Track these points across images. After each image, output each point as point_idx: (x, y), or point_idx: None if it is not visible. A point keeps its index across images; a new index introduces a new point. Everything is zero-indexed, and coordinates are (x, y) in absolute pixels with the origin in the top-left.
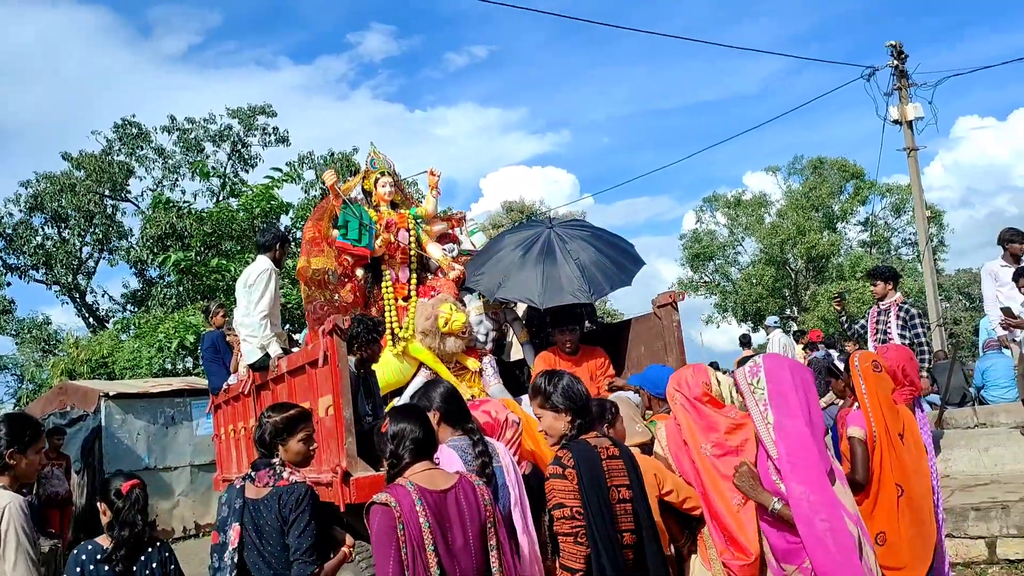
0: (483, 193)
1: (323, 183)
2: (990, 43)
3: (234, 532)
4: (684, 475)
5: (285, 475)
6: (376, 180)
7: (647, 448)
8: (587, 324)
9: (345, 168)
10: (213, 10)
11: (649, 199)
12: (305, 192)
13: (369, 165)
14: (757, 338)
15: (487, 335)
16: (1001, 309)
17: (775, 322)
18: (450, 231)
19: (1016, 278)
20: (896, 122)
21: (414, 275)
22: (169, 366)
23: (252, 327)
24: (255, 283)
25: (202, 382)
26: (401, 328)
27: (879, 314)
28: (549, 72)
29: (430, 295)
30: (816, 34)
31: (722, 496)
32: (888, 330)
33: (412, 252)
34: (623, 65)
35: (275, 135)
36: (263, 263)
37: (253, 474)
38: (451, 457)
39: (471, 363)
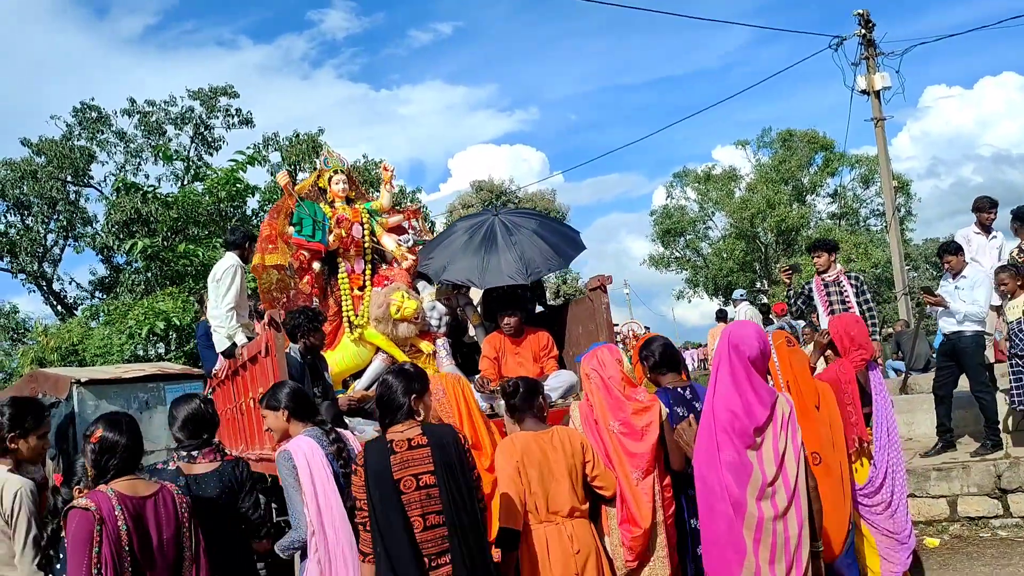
0: (452, 173)
1: (277, 183)
2: (957, 11)
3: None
4: (610, 446)
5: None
6: (330, 178)
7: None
8: (539, 307)
9: (310, 149)
10: None
11: (619, 176)
12: (271, 175)
13: (323, 164)
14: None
15: (440, 319)
16: (921, 288)
17: (742, 295)
18: (405, 222)
19: (940, 253)
20: (864, 92)
21: (368, 266)
22: (141, 352)
23: (220, 318)
24: (222, 278)
25: (174, 367)
26: (357, 316)
27: (827, 285)
28: (515, 48)
29: (384, 284)
30: (782, 3)
31: (624, 472)
32: (846, 299)
33: (366, 244)
34: (588, 39)
35: (238, 116)
36: (230, 259)
37: (195, 452)
38: (310, 444)
39: (425, 346)
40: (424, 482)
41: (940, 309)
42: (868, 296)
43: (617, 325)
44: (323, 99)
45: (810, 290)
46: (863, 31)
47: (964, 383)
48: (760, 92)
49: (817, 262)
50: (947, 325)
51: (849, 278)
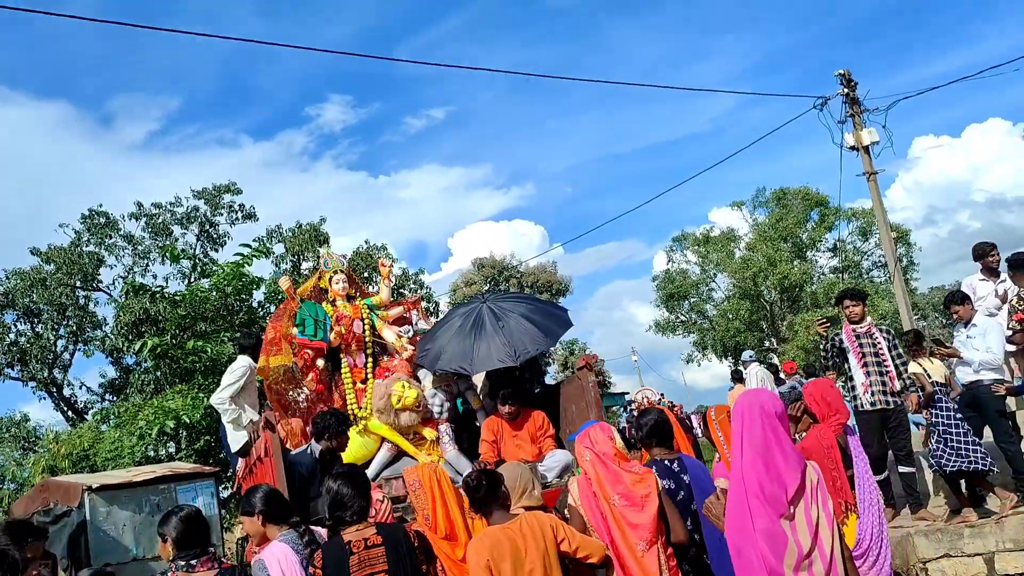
0: (453, 252)
1: (280, 287)
2: (936, 63)
3: None
4: (595, 525)
5: (225, 560)
6: (330, 278)
7: (545, 509)
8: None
9: (313, 239)
10: (172, 95)
11: (618, 243)
12: (276, 266)
13: (323, 265)
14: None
15: (442, 406)
16: (932, 340)
17: (751, 356)
18: (406, 314)
19: (947, 304)
20: (853, 148)
21: (370, 359)
22: (152, 453)
23: (217, 403)
24: (233, 371)
25: (185, 466)
26: (360, 408)
27: (859, 337)
28: (508, 127)
29: (385, 376)
30: (766, 68)
31: (627, 543)
32: (879, 351)
33: (367, 339)
34: (578, 114)
35: (242, 212)
36: (243, 361)
37: (194, 562)
38: (284, 551)
39: (428, 432)
40: None
41: (955, 360)
42: (901, 350)
43: (627, 393)
44: (323, 189)
45: (841, 341)
46: (846, 90)
47: (988, 434)
48: (752, 153)
49: (854, 311)
50: (964, 375)
51: (880, 330)
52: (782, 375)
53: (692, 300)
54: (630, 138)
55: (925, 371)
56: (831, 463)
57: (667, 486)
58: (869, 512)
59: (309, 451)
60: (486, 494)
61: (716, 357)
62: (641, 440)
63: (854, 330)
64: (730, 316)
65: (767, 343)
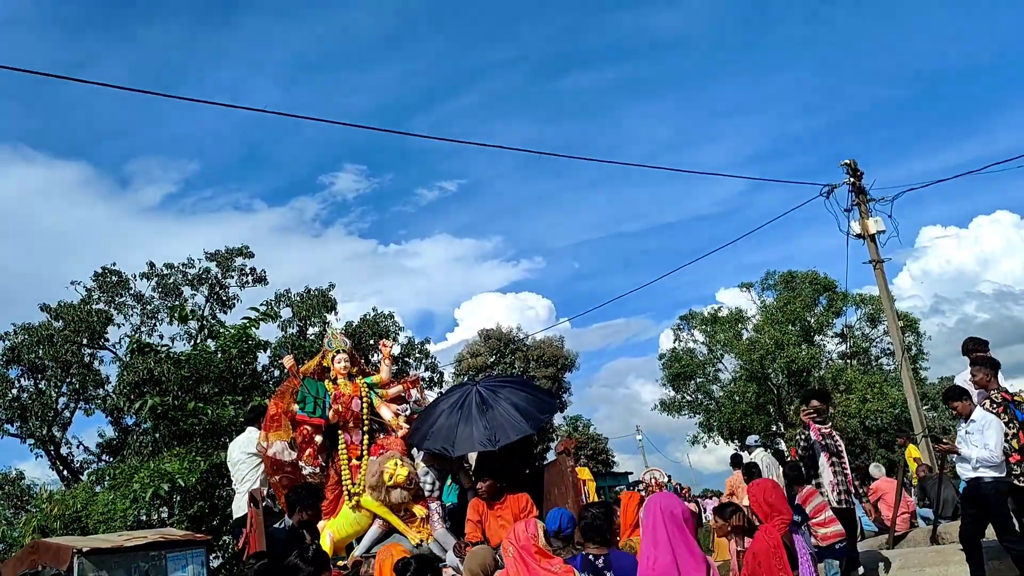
0: (459, 322)
1: (284, 367)
2: (943, 155)
3: None
4: None
5: None
6: (333, 357)
7: None
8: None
9: (321, 304)
10: (191, 160)
11: (625, 321)
12: (282, 330)
13: (327, 345)
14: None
15: (433, 484)
16: (931, 438)
17: (756, 441)
18: (404, 393)
19: (946, 400)
20: (859, 236)
21: (367, 436)
22: (144, 517)
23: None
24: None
25: (176, 533)
26: (354, 485)
27: (825, 437)
28: (518, 201)
29: (380, 452)
30: (774, 152)
31: None
32: (841, 453)
33: (365, 416)
34: (587, 191)
35: (252, 275)
36: (254, 434)
37: None
38: None
39: (418, 510)
40: None
41: (955, 457)
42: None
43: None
44: (334, 255)
45: (813, 443)
46: (852, 179)
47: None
48: (760, 236)
49: (821, 412)
50: (964, 472)
51: (837, 433)
52: (788, 460)
53: (698, 380)
54: (638, 217)
55: None
56: (778, 562)
57: None
58: None
59: (283, 525)
60: None
61: (722, 439)
62: (582, 533)
63: (820, 430)
64: (736, 398)
65: (774, 427)
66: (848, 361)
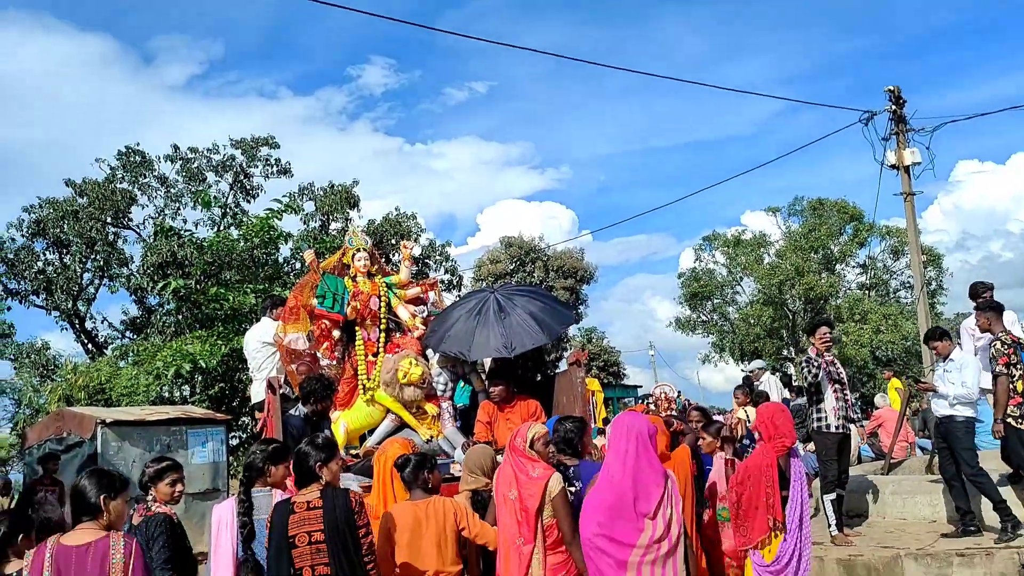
0: (481, 228)
1: (305, 261)
2: (988, 88)
3: None
4: (499, 513)
5: (153, 508)
6: (353, 255)
7: (482, 491)
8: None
9: (344, 200)
10: (216, 40)
11: (647, 237)
12: (304, 223)
13: (348, 243)
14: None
15: (446, 385)
16: (911, 378)
17: (761, 365)
18: (422, 295)
19: (927, 339)
20: (893, 167)
21: (383, 335)
22: (166, 394)
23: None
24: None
25: (197, 411)
26: (369, 380)
27: (830, 364)
28: (548, 108)
29: (395, 351)
30: (814, 75)
31: (508, 535)
32: (843, 380)
33: (382, 315)
34: (619, 102)
35: (277, 166)
36: (270, 324)
37: (135, 506)
38: (229, 505)
39: (430, 408)
40: (315, 539)
41: (931, 394)
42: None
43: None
44: (358, 151)
45: (823, 369)
46: (894, 107)
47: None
48: (791, 160)
49: (829, 340)
50: (939, 409)
51: (839, 361)
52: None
53: (715, 301)
54: (669, 132)
55: (746, 418)
56: (768, 481)
57: (572, 491)
58: (795, 533)
59: (298, 412)
60: (409, 473)
61: (733, 360)
62: (555, 445)
63: (826, 357)
64: (752, 321)
65: (785, 352)
66: (866, 292)
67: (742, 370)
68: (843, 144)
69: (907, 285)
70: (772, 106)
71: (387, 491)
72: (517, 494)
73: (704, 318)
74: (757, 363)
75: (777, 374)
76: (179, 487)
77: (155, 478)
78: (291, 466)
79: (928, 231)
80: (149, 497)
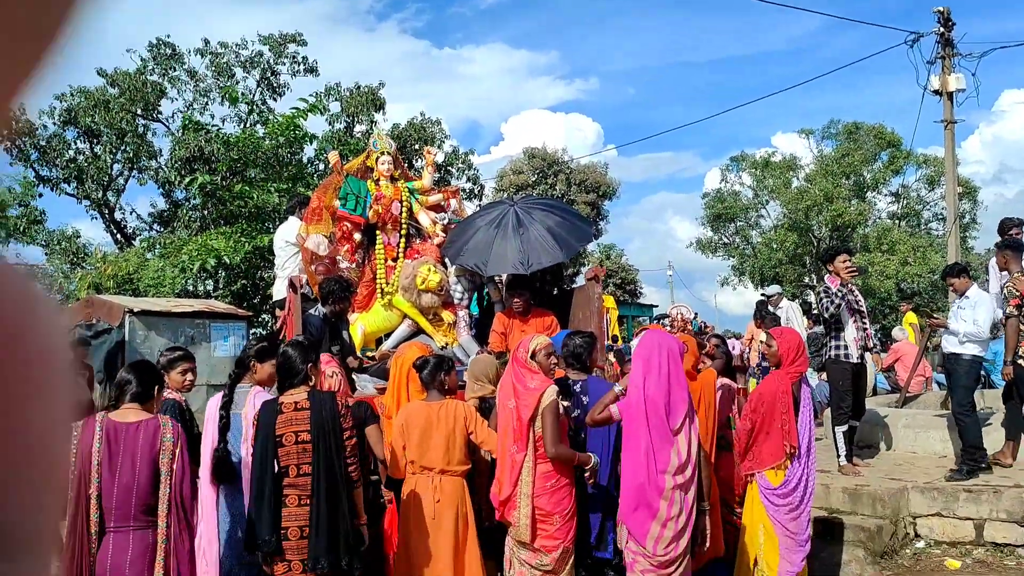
0: (504, 137)
1: (329, 162)
2: None
3: None
4: (499, 421)
5: (165, 394)
6: (377, 158)
7: (487, 399)
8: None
9: (370, 102)
10: None
11: (672, 154)
12: (330, 124)
13: (372, 145)
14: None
15: (463, 293)
16: (922, 312)
17: (777, 291)
18: (444, 202)
19: (944, 276)
20: (936, 92)
21: (403, 240)
22: (191, 287)
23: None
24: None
25: (220, 306)
26: (388, 284)
27: (852, 293)
28: (580, 16)
29: (415, 257)
30: None
31: (503, 441)
32: (863, 310)
33: (403, 220)
34: (653, 13)
35: (304, 64)
36: (296, 224)
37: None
38: (216, 399)
39: (447, 315)
40: (301, 439)
41: (941, 331)
42: None
43: (656, 307)
44: (385, 52)
45: (846, 299)
46: (942, 29)
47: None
48: (828, 80)
49: (853, 269)
50: (948, 346)
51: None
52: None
53: (739, 224)
54: (703, 47)
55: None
56: (783, 407)
57: (565, 405)
58: (803, 459)
59: (319, 313)
60: (427, 375)
61: (752, 284)
62: (564, 360)
63: (851, 287)
64: (774, 246)
65: (807, 279)
66: (897, 222)
67: (761, 294)
68: (885, 66)
69: (939, 217)
70: (812, 22)
71: (401, 393)
72: (515, 404)
73: (726, 240)
74: (774, 288)
75: (796, 300)
76: (190, 376)
77: (167, 366)
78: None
79: (966, 162)
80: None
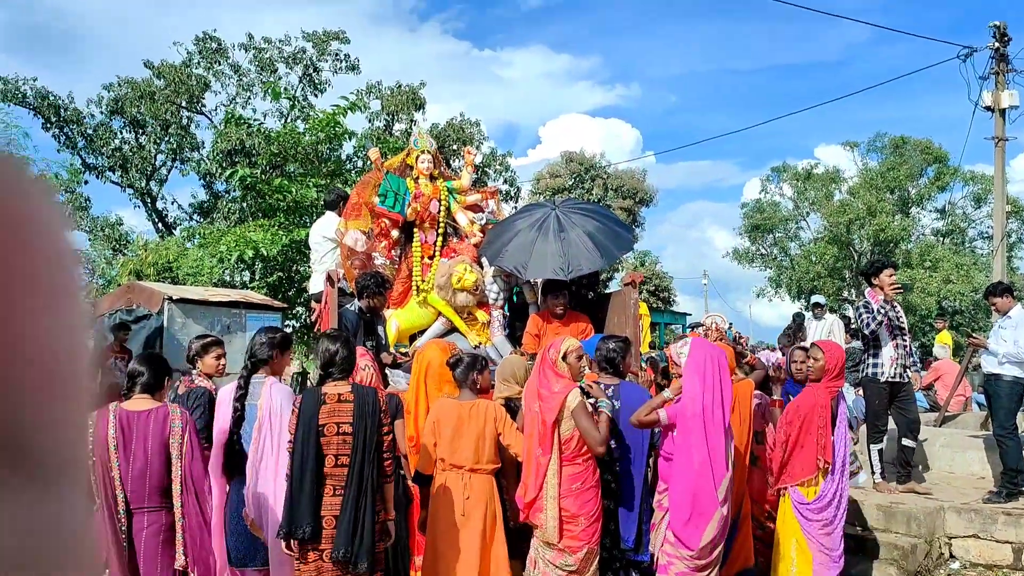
0: (542, 140)
1: (369, 159)
2: None
3: None
4: (525, 423)
5: (197, 381)
6: (417, 157)
7: (513, 399)
8: (591, 293)
9: (410, 101)
10: None
11: (712, 163)
12: (370, 122)
13: (413, 144)
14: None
15: (498, 294)
16: (967, 332)
17: (822, 301)
18: (482, 202)
19: (987, 295)
20: (988, 108)
21: (440, 238)
22: (228, 277)
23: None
24: (330, 238)
25: (256, 296)
26: (424, 282)
27: (893, 308)
28: (623, 21)
29: (451, 256)
30: (912, 1)
31: (529, 444)
32: (904, 327)
33: (441, 219)
34: (699, 19)
35: (346, 62)
36: (333, 219)
37: (180, 378)
38: (230, 389)
39: (481, 315)
40: (343, 430)
41: (982, 351)
42: None
43: (690, 315)
44: (426, 52)
45: (887, 316)
46: (997, 44)
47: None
48: (876, 93)
49: (896, 285)
50: (988, 366)
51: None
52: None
53: (777, 235)
54: (749, 55)
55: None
56: (821, 422)
57: (593, 402)
58: (837, 475)
59: (354, 308)
60: (460, 373)
61: (788, 297)
62: (598, 364)
63: (892, 303)
64: (813, 259)
65: (845, 293)
66: (941, 239)
67: (803, 309)
68: (935, 80)
69: (985, 235)
70: (862, 33)
71: (420, 389)
72: (539, 407)
73: (763, 251)
74: (818, 298)
75: (835, 314)
76: (223, 361)
77: (201, 351)
78: (334, 358)
79: (1015, 180)
80: (195, 371)
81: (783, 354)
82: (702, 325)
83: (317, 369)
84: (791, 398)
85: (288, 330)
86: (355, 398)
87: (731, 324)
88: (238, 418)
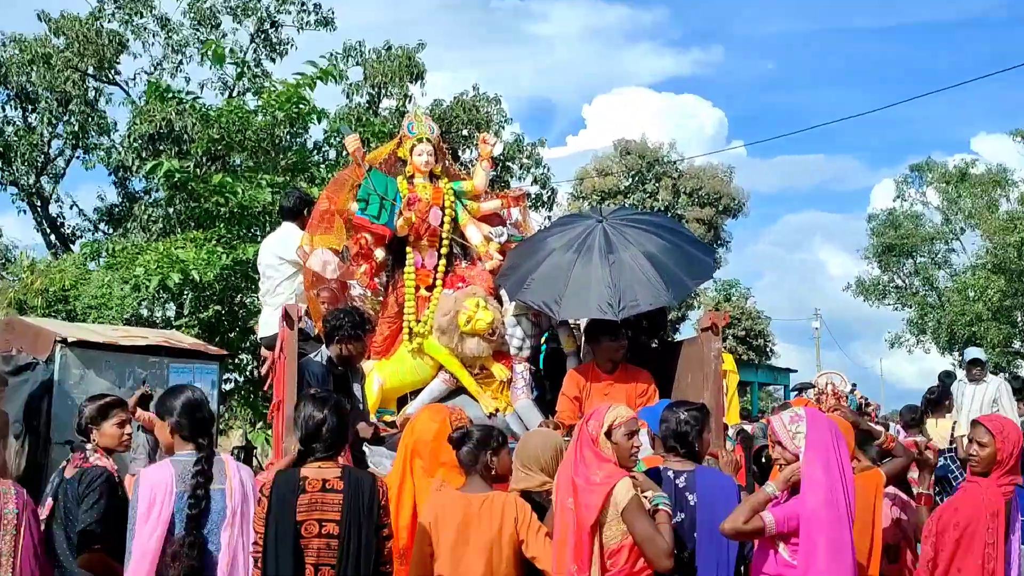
0: (587, 124)
1: (345, 149)
2: None
3: (47, 506)
4: (556, 526)
5: (91, 459)
6: (412, 147)
7: (534, 493)
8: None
9: (404, 69)
10: None
11: (825, 158)
12: (347, 97)
13: (407, 130)
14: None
15: (523, 340)
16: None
17: (980, 356)
18: (502, 211)
19: None
20: None
21: (443, 261)
22: (146, 311)
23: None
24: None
25: (185, 339)
26: (419, 322)
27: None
28: None
29: (458, 286)
30: None
31: (562, 557)
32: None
33: (444, 234)
34: None
35: (316, 14)
36: (294, 233)
37: (70, 455)
38: (167, 470)
39: (498, 371)
40: (327, 531)
41: None
42: None
43: (795, 371)
44: (426, 3)
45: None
46: None
47: None
48: None
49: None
50: None
51: None
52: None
53: (919, 260)
54: (878, 8)
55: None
56: (990, 536)
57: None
58: None
59: (319, 357)
60: (467, 454)
61: (936, 347)
62: (663, 441)
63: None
64: (972, 294)
65: (1016, 343)
66: None
67: (954, 366)
68: None
69: None
70: None
71: (404, 474)
72: (573, 503)
73: (899, 283)
74: (975, 352)
75: (1002, 375)
76: (127, 429)
77: (97, 417)
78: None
79: None
80: (89, 445)
81: (906, 432)
82: (813, 387)
83: (296, 442)
84: (943, 495)
85: (228, 386)
86: (346, 487)
87: (854, 386)
88: (198, 513)
